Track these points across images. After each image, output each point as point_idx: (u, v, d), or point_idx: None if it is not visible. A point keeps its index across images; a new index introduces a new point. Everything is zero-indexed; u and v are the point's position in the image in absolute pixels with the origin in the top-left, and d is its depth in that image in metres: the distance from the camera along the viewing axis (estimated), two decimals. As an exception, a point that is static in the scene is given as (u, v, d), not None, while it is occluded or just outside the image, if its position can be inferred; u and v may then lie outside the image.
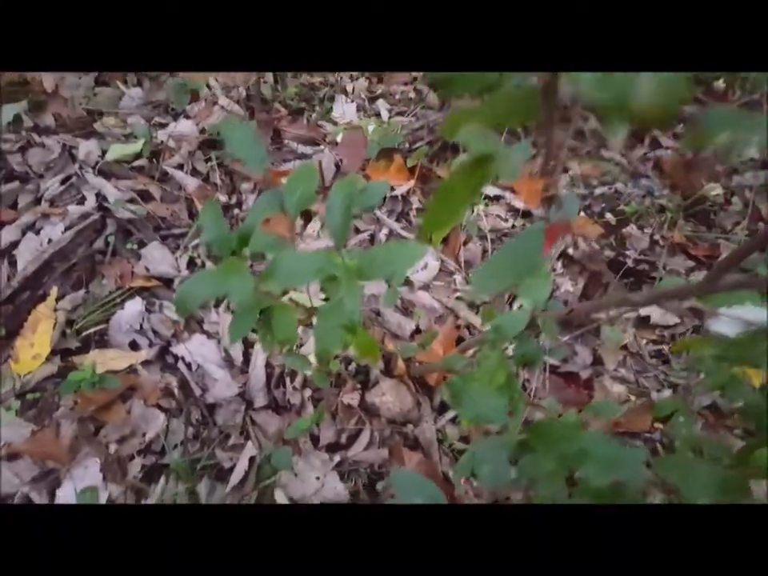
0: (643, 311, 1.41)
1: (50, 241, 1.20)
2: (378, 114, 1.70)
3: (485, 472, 0.64)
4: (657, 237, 1.61)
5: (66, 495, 0.87)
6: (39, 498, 0.90)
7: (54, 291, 1.14)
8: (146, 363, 1.11)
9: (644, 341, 1.38)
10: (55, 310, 1.12)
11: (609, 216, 1.62)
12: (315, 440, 1.10)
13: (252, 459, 0.99)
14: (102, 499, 0.85)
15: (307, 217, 1.40)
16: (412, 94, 1.83)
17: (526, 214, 1.50)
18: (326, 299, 1.10)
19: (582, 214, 1.60)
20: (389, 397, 1.13)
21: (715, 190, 1.75)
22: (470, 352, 1.01)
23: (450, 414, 1.17)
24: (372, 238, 1.40)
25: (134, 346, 1.14)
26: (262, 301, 0.78)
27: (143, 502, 0.89)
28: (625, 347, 1.36)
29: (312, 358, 1.13)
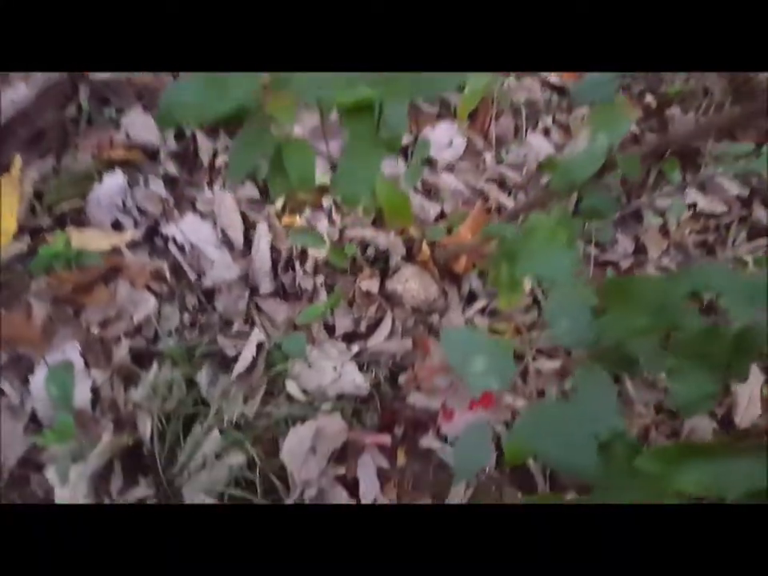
0: (689, 198, 1.27)
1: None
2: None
3: (562, 328, 0.51)
4: (702, 120, 1.44)
5: (40, 381, 0.74)
6: (11, 388, 0.77)
7: (17, 160, 0.96)
8: (132, 246, 0.96)
9: (687, 230, 1.25)
10: (21, 182, 0.96)
11: (650, 98, 1.44)
12: (330, 330, 0.97)
13: (260, 345, 0.86)
14: (84, 384, 0.72)
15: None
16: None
17: (561, 90, 1.31)
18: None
19: (621, 94, 1.42)
20: (412, 284, 0.99)
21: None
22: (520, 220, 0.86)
23: (479, 304, 1.04)
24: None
25: (116, 226, 0.98)
26: (268, 138, 0.62)
27: (133, 389, 0.76)
28: (667, 236, 1.22)
29: (326, 237, 0.98)
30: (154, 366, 0.78)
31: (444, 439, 0.91)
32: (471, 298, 1.05)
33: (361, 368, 0.94)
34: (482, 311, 1.04)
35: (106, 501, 0.67)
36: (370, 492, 0.85)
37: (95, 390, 0.75)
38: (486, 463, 0.45)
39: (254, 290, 0.96)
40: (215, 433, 0.76)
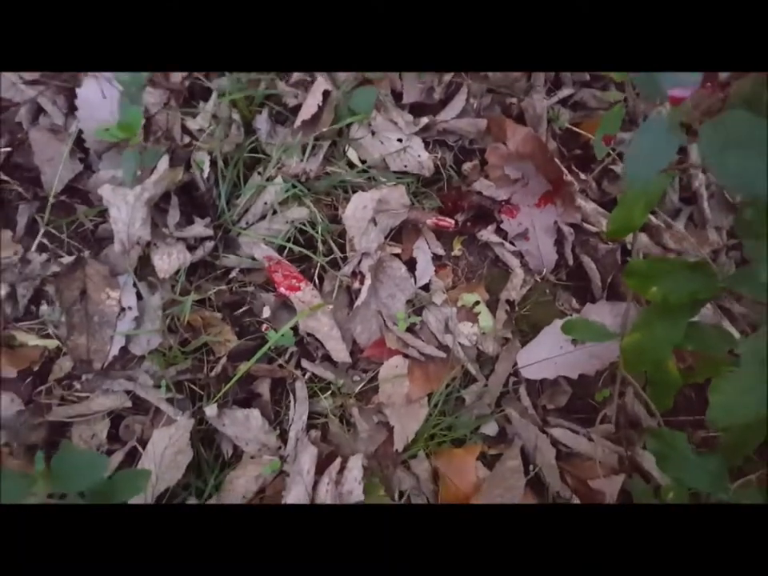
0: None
1: None
2: None
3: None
4: None
5: (86, 97, 0.65)
6: (53, 107, 0.68)
7: None
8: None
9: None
10: None
11: None
12: (398, 97, 0.86)
13: (326, 94, 0.76)
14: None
15: None
16: None
17: None
18: None
19: None
20: (496, 53, 0.86)
21: None
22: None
23: (565, 92, 0.92)
24: None
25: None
26: None
27: (191, 121, 0.68)
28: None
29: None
30: (213, 97, 0.69)
31: (504, 236, 0.86)
32: (557, 83, 0.92)
33: (427, 145, 0.85)
34: (564, 102, 0.93)
35: (165, 231, 0.63)
36: (425, 274, 0.82)
37: (148, 117, 0.66)
38: (665, 164, 0.40)
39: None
40: (277, 181, 0.70)
